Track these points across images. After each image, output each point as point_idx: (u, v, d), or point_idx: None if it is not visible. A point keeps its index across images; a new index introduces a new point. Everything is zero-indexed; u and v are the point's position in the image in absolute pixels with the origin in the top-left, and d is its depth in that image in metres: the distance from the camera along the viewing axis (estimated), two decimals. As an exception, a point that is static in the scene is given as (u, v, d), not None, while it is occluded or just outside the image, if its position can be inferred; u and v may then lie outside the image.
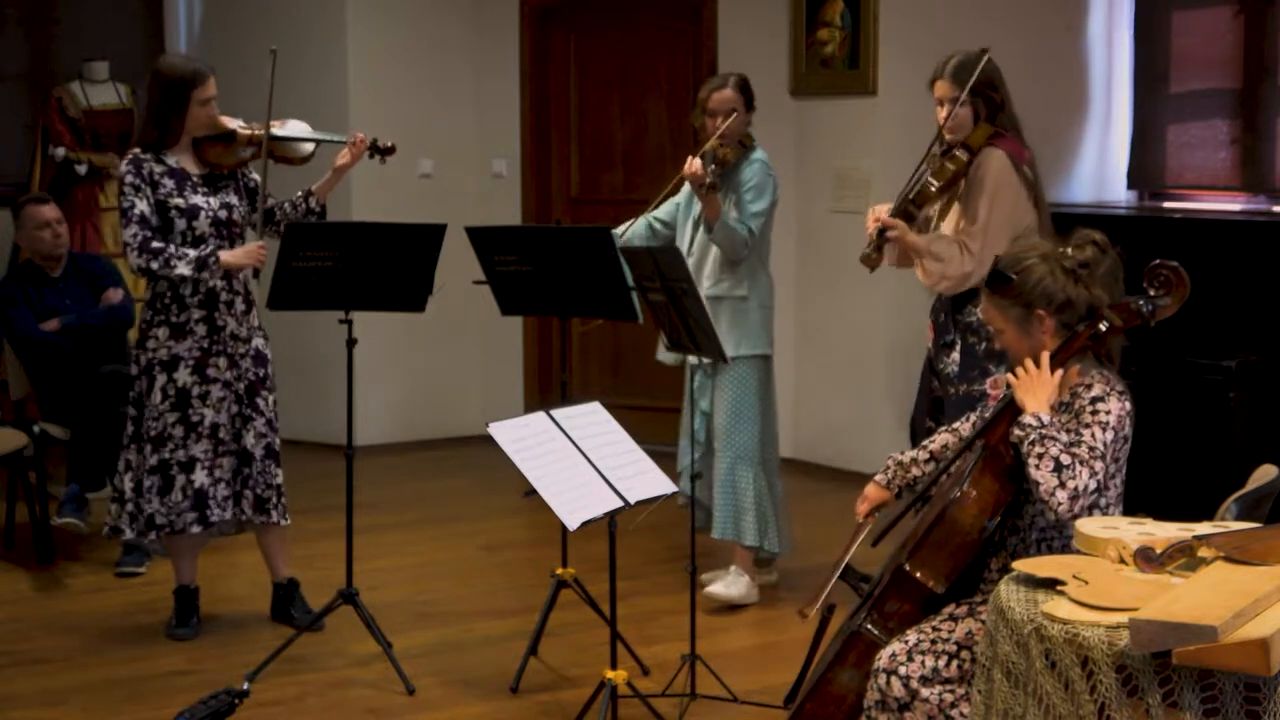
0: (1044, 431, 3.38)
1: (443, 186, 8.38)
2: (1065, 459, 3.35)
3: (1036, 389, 3.47)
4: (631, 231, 5.72)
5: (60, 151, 7.75)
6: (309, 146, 5.45)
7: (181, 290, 5.23)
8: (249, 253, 5.22)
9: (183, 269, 5.13)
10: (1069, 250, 3.55)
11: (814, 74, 7.62)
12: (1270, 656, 2.61)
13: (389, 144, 5.44)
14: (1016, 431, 3.43)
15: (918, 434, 5.18)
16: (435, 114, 8.39)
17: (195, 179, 5.26)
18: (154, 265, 5.12)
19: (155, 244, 5.14)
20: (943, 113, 4.94)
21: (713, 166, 5.44)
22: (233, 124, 5.33)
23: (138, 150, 5.26)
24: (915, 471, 3.93)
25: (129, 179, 5.18)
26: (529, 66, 8.47)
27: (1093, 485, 3.36)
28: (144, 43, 8.81)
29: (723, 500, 5.67)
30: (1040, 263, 3.53)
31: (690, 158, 5.46)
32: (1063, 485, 3.33)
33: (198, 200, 5.22)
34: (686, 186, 5.68)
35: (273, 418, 5.37)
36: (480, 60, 8.52)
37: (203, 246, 5.19)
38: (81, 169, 7.76)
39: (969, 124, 4.92)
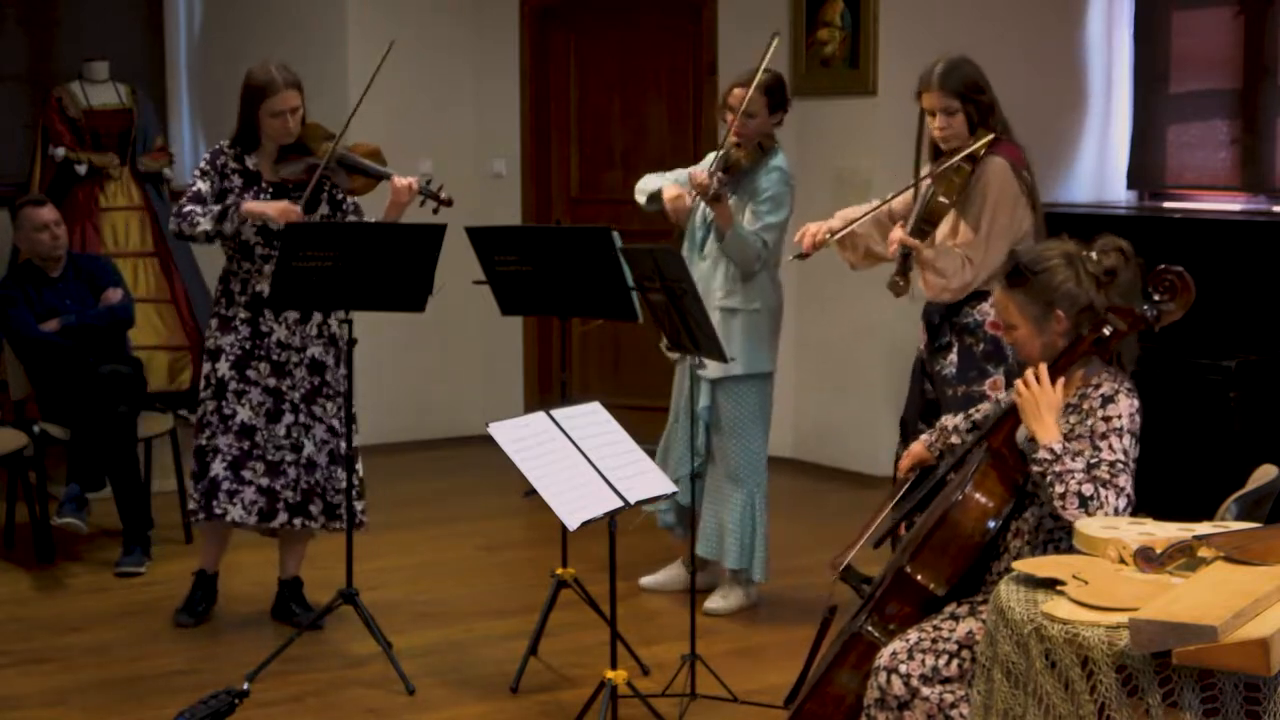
0: (1059, 467, 3.34)
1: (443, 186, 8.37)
2: (1088, 489, 3.32)
3: (1042, 411, 3.42)
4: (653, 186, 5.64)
5: (60, 151, 7.75)
6: (369, 181, 5.41)
7: (232, 287, 5.30)
8: (278, 206, 5.18)
9: (204, 224, 5.16)
10: (1094, 255, 3.52)
11: (814, 74, 7.63)
12: (1270, 656, 2.61)
13: (446, 197, 5.34)
14: (1035, 469, 3.40)
15: (909, 434, 5.16)
16: (435, 114, 8.39)
17: (265, 184, 5.30)
18: (182, 226, 5.19)
19: (186, 208, 5.19)
20: (935, 123, 4.87)
21: (719, 175, 5.34)
22: (323, 139, 5.33)
23: (224, 143, 5.34)
24: (955, 440, 3.91)
25: (201, 164, 5.31)
26: (529, 66, 8.47)
27: (1122, 504, 3.33)
28: (144, 43, 8.81)
29: (709, 516, 5.62)
30: (1064, 265, 3.51)
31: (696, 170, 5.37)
32: (1092, 519, 3.30)
33: (239, 200, 5.23)
34: (704, 163, 5.64)
35: (336, 423, 5.34)
36: (480, 60, 8.52)
37: (239, 264, 5.27)
38: (81, 169, 7.76)
39: (964, 132, 4.85)
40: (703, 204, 5.54)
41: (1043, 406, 3.43)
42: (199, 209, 5.18)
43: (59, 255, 6.57)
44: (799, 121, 7.73)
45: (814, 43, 7.60)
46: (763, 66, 5.37)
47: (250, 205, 5.18)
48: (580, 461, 4.23)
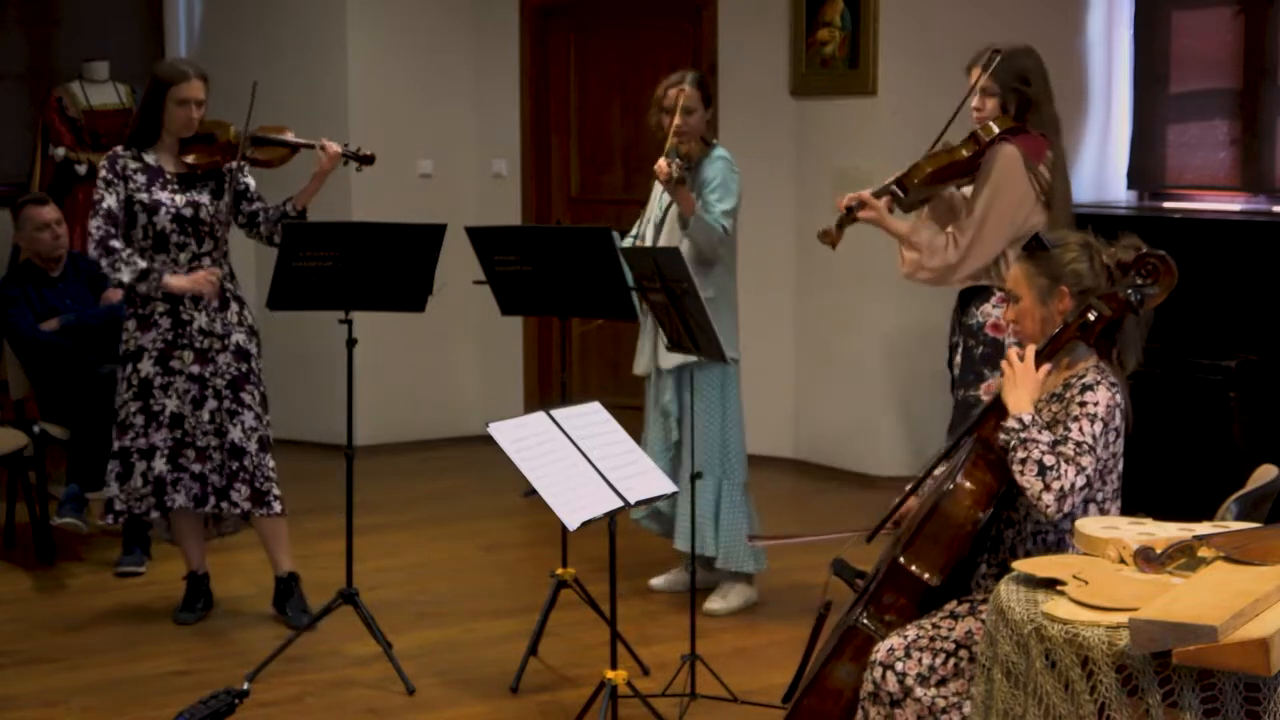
0: (1025, 435, 3.41)
1: (443, 186, 8.38)
2: (1049, 460, 3.38)
3: (1019, 387, 3.50)
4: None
5: (60, 151, 7.76)
6: (285, 151, 5.48)
7: None
8: (195, 279, 5.28)
9: (124, 275, 5.24)
10: (1113, 249, 3.61)
11: (814, 74, 7.62)
12: (1270, 656, 2.61)
13: (368, 153, 5.44)
14: (1001, 436, 3.46)
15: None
16: (435, 114, 8.39)
17: (169, 176, 5.35)
18: (103, 262, 5.26)
19: (113, 243, 5.24)
20: (973, 101, 4.85)
21: (677, 160, 5.41)
22: (226, 126, 5.40)
23: (119, 147, 5.39)
24: None
25: (103, 173, 5.33)
26: (529, 66, 8.47)
27: (1080, 482, 3.39)
28: (144, 43, 8.81)
29: (683, 509, 5.62)
30: (1079, 247, 3.60)
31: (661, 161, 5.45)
32: (1048, 488, 3.37)
33: (161, 196, 5.29)
34: (656, 192, 5.71)
35: (261, 410, 5.41)
36: (480, 60, 8.52)
37: (153, 259, 5.28)
38: (81, 169, 7.76)
39: (996, 115, 4.82)
40: (656, 208, 5.61)
41: (1020, 381, 3.50)
42: (123, 253, 5.22)
43: (59, 255, 6.58)
44: (799, 121, 7.74)
45: (814, 43, 7.60)
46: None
47: (170, 281, 5.25)
48: (580, 461, 4.23)
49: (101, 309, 6.55)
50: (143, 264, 5.23)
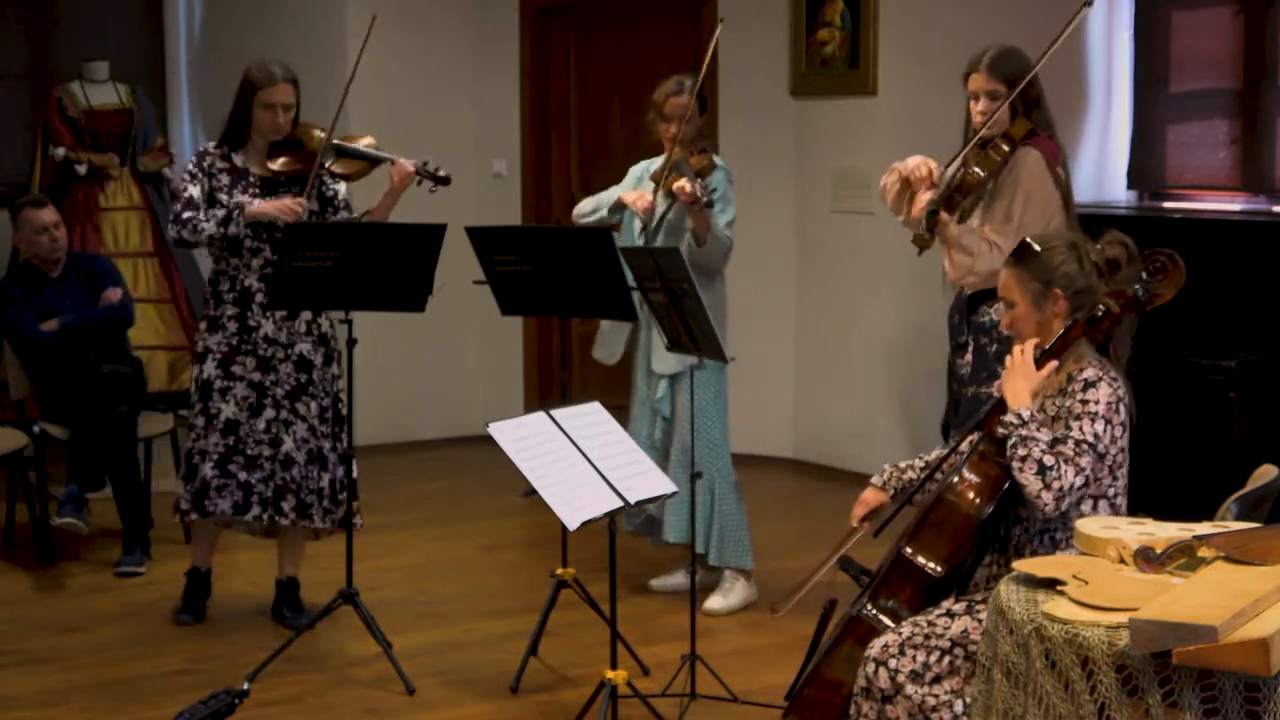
0: (1024, 432, 3.44)
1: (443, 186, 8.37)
2: (1048, 460, 3.41)
3: (1018, 381, 3.54)
4: (595, 218, 5.70)
5: (60, 151, 7.75)
6: (365, 165, 5.44)
7: (220, 287, 5.33)
8: (280, 204, 5.22)
9: (209, 229, 5.20)
10: (1099, 246, 3.64)
11: (814, 74, 7.62)
12: (1270, 656, 2.62)
13: (444, 173, 5.40)
14: (1000, 430, 3.49)
15: (948, 437, 5.15)
16: (435, 114, 8.38)
17: (253, 179, 5.32)
18: (184, 233, 5.24)
19: (185, 214, 5.23)
20: (978, 105, 4.86)
21: (700, 182, 5.38)
22: (314, 133, 5.38)
23: (209, 144, 5.40)
24: (910, 475, 3.98)
25: (189, 167, 5.35)
26: (529, 66, 8.48)
27: (1079, 482, 3.42)
28: (144, 43, 8.81)
29: (676, 505, 5.61)
30: (1067, 248, 3.62)
31: (666, 180, 5.40)
32: (1047, 487, 3.41)
33: (241, 200, 5.25)
34: (630, 179, 5.73)
35: (317, 423, 5.35)
36: (480, 60, 8.52)
37: (227, 262, 5.29)
38: (81, 169, 7.76)
39: (1005, 119, 4.83)
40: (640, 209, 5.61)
41: (1020, 375, 3.55)
42: (200, 215, 5.21)
43: (58, 256, 6.57)
44: (799, 121, 7.74)
45: (814, 43, 7.60)
46: (706, 61, 5.55)
47: (253, 208, 5.20)
48: (580, 461, 4.23)
49: (101, 309, 6.55)
50: (219, 211, 5.20)
